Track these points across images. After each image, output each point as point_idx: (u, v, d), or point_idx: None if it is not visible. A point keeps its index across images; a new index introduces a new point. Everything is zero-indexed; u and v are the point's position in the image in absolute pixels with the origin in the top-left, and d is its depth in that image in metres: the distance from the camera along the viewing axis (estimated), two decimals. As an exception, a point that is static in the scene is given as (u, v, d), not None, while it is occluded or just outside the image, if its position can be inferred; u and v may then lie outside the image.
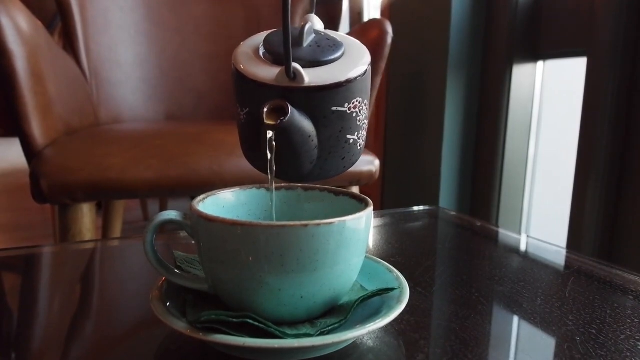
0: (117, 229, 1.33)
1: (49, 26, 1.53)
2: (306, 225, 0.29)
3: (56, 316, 0.40)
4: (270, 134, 0.32)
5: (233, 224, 0.30)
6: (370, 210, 0.34)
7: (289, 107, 0.31)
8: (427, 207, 0.73)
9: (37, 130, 0.77)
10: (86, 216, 0.76)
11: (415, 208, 0.73)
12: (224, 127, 0.94)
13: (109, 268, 0.53)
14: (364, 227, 0.33)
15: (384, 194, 1.63)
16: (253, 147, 0.36)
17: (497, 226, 0.70)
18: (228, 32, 1.29)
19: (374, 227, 0.64)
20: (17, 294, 0.44)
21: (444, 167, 1.35)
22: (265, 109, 0.32)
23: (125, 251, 0.57)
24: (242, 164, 0.82)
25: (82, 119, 1.00)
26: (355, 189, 0.96)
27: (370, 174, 0.93)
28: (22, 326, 0.38)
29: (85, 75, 1.12)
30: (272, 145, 0.33)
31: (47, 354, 0.34)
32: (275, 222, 0.29)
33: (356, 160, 0.38)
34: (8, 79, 0.73)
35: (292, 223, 0.29)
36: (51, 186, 0.72)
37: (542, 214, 1.33)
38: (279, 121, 0.31)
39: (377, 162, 0.94)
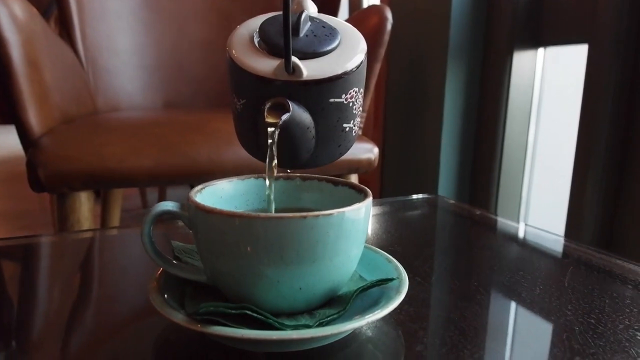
0: (115, 217, 1.32)
1: (45, 13, 1.51)
2: (305, 217, 0.29)
3: (54, 307, 0.40)
4: (271, 133, 0.32)
5: (231, 216, 0.30)
6: (369, 200, 0.34)
7: (290, 104, 0.31)
8: (426, 196, 0.73)
9: (33, 118, 0.77)
10: (84, 205, 0.76)
11: (414, 196, 0.73)
12: (222, 115, 0.93)
13: (107, 258, 0.53)
14: (363, 217, 0.33)
15: (383, 181, 1.63)
16: (250, 137, 0.36)
17: (496, 215, 0.70)
18: (226, 20, 1.28)
19: (373, 215, 0.64)
20: (14, 284, 0.44)
21: (443, 154, 1.34)
22: (266, 107, 0.32)
23: (124, 240, 0.57)
24: (241, 152, 0.81)
25: (79, 107, 0.99)
26: (354, 177, 0.96)
27: (369, 162, 0.93)
28: (19, 317, 0.38)
29: (82, 63, 1.11)
30: (274, 144, 0.33)
31: (44, 345, 0.34)
32: (273, 214, 0.29)
33: (351, 146, 0.38)
34: (4, 67, 0.72)
35: (290, 215, 0.29)
36: (48, 175, 0.71)
37: (541, 201, 1.33)
38: (280, 120, 0.31)
39: (376, 150, 0.94)
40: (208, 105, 1.24)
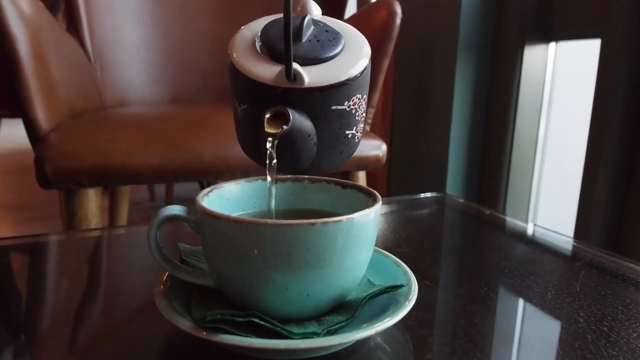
0: (123, 211, 1.33)
1: (52, 7, 1.51)
2: (313, 224, 0.29)
3: (59, 306, 0.40)
4: (270, 143, 0.32)
5: (238, 222, 0.29)
6: (378, 206, 0.33)
7: (290, 113, 0.31)
8: (434, 194, 0.72)
9: (41, 114, 0.77)
10: (92, 201, 0.76)
11: (422, 195, 0.72)
12: (229, 111, 0.93)
13: (114, 258, 0.53)
14: (372, 223, 0.32)
15: (390, 177, 1.62)
16: (251, 142, 0.35)
17: (504, 212, 0.69)
18: (233, 12, 1.27)
19: (381, 214, 0.64)
20: (19, 284, 0.44)
21: (452, 150, 1.33)
22: (266, 117, 0.31)
23: (131, 240, 0.57)
24: (247, 148, 0.81)
25: (86, 102, 0.99)
26: (362, 174, 0.95)
27: (377, 159, 0.92)
28: (24, 318, 0.38)
29: (89, 57, 1.10)
30: (273, 154, 0.32)
31: (49, 346, 0.34)
32: (281, 221, 0.29)
33: (353, 152, 0.38)
34: (11, 63, 0.72)
35: (298, 221, 0.29)
36: (56, 172, 0.71)
37: (550, 199, 1.31)
38: (280, 130, 0.30)
39: (384, 147, 0.93)
40: (215, 100, 1.24)
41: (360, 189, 0.38)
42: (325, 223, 0.29)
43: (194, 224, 0.33)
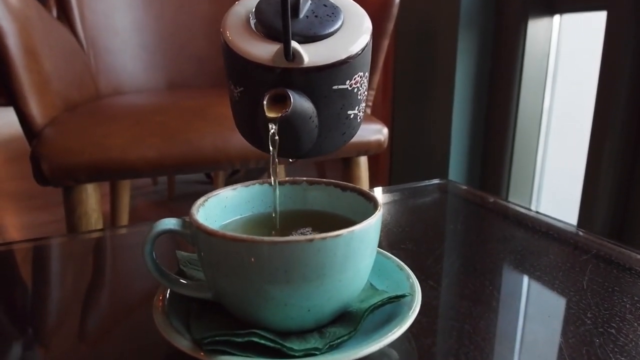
0: (125, 199, 1.32)
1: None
2: (311, 240, 0.28)
3: (57, 318, 0.39)
4: (272, 127, 0.30)
5: (234, 240, 0.28)
6: (379, 214, 0.32)
7: (291, 96, 0.29)
8: (436, 181, 0.71)
9: (35, 109, 0.75)
10: (91, 196, 0.75)
11: (425, 182, 0.71)
12: (227, 98, 0.91)
13: (114, 263, 0.52)
14: (373, 233, 0.31)
15: (392, 160, 1.60)
16: (250, 126, 0.34)
17: (508, 196, 0.68)
18: (228, -7, 1.23)
19: (382, 204, 0.63)
20: (12, 293, 0.44)
21: (454, 131, 1.31)
22: (266, 100, 0.30)
23: (133, 241, 0.56)
24: (246, 138, 0.80)
25: (81, 92, 0.97)
26: (363, 159, 0.94)
27: (378, 143, 0.91)
28: (15, 331, 0.37)
29: (82, 45, 1.08)
30: (275, 139, 0.31)
31: (45, 354, 0.34)
32: (278, 238, 0.28)
33: (356, 133, 0.36)
34: (1, 59, 0.70)
35: (296, 238, 0.28)
36: (52, 169, 0.70)
37: (554, 179, 1.30)
38: (281, 114, 0.29)
39: (385, 131, 0.91)
40: (212, 84, 1.22)
41: (359, 192, 0.37)
42: (324, 239, 0.28)
43: (189, 237, 0.32)
